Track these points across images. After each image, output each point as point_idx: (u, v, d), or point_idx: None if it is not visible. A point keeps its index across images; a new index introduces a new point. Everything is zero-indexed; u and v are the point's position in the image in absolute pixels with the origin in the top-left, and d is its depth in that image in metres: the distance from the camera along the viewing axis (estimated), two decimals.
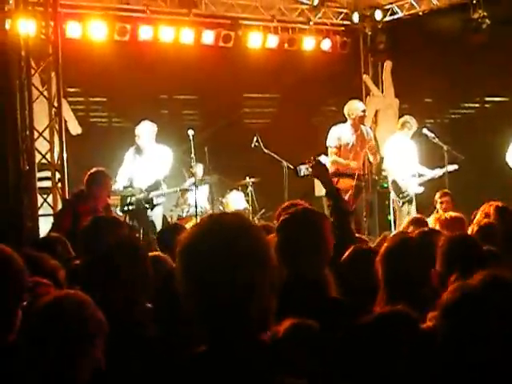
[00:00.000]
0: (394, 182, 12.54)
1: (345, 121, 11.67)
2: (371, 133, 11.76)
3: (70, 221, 8.73)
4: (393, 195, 12.67)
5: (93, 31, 13.56)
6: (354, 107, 11.61)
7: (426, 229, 5.54)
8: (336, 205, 5.02)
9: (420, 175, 12.52)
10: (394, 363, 2.95)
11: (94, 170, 9.28)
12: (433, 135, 12.36)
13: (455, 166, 12.38)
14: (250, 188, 13.75)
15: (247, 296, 2.30)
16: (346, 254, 4.67)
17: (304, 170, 6.89)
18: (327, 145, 11.56)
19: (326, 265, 4.04)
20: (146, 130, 11.39)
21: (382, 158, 14.76)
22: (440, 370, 2.66)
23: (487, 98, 15.78)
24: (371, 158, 11.95)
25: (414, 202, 12.61)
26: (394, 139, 12.76)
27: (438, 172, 12.34)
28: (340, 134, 11.52)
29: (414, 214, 12.42)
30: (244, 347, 2.31)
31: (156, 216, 11.30)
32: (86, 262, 4.39)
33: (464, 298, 2.58)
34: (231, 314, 2.30)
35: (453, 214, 7.25)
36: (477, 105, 16.18)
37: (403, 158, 12.48)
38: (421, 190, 12.45)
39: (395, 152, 12.52)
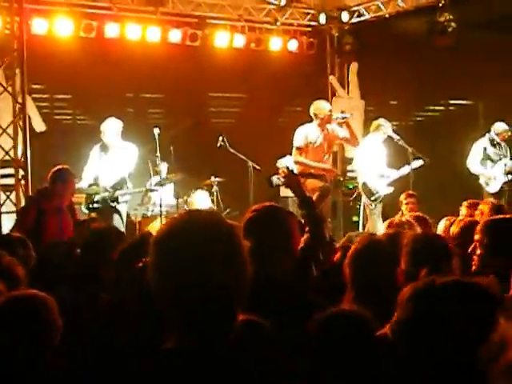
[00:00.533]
0: (364, 183, 12.55)
1: (311, 121, 11.68)
2: (338, 129, 11.74)
3: (33, 218, 8.69)
4: (364, 198, 12.66)
5: (59, 28, 13.45)
6: (320, 107, 11.63)
7: (392, 230, 5.53)
8: (310, 214, 4.99)
9: (387, 176, 12.57)
10: (343, 361, 2.97)
11: (58, 167, 9.23)
12: (398, 137, 12.41)
13: (420, 162, 12.43)
14: (215, 187, 13.73)
15: (222, 294, 2.30)
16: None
17: (276, 180, 6.89)
18: (293, 145, 11.57)
19: (291, 262, 4.04)
20: (111, 127, 11.33)
21: (347, 159, 14.84)
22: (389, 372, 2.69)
23: (452, 101, 15.93)
24: (349, 148, 11.90)
25: (381, 203, 12.67)
26: (366, 141, 12.78)
27: (405, 170, 12.38)
28: (307, 134, 11.54)
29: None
30: (218, 345, 2.30)
31: (121, 213, 11.26)
32: None
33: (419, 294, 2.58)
34: (205, 312, 2.29)
35: (416, 214, 7.29)
36: (442, 107, 16.32)
37: (374, 160, 12.52)
38: (390, 190, 12.50)
39: (367, 154, 12.54)
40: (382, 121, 12.65)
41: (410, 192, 10.87)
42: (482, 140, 13.05)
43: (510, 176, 12.89)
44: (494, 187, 12.91)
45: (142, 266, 3.67)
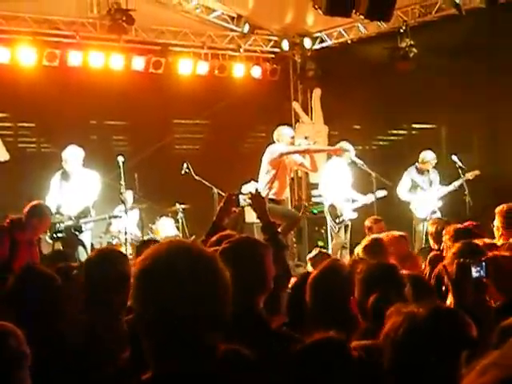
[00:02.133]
0: (331, 206, 12.60)
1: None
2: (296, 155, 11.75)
3: (7, 247, 8.63)
4: (329, 221, 12.70)
5: (21, 56, 13.46)
6: (282, 133, 11.65)
7: (356, 257, 5.60)
8: (273, 239, 5.00)
9: (353, 201, 12.65)
10: None
11: (36, 202, 9.20)
12: (361, 162, 12.50)
13: (384, 192, 12.55)
14: (180, 214, 13.71)
15: (204, 324, 2.32)
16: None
17: (242, 201, 6.89)
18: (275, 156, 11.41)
19: (266, 293, 4.02)
20: (72, 155, 11.29)
21: (311, 185, 14.91)
22: None
23: (414, 125, 16.03)
24: (309, 167, 11.88)
25: (349, 228, 12.71)
26: (330, 164, 12.86)
27: (370, 198, 12.48)
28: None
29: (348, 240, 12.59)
30: (198, 374, 2.32)
31: (84, 242, 11.20)
32: None
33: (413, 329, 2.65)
34: (185, 341, 2.31)
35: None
36: (405, 131, 16.42)
37: (339, 183, 12.59)
38: (355, 215, 12.58)
39: (332, 177, 12.61)
40: (343, 144, 12.74)
41: (377, 217, 10.89)
42: (410, 169, 13.24)
43: (441, 202, 13.08)
44: (423, 212, 13.05)
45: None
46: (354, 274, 4.40)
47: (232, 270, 3.72)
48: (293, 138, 11.66)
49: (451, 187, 12.90)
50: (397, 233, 7.52)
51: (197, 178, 12.88)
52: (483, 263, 4.32)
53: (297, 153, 11.48)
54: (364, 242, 6.84)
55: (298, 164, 11.82)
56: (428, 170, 13.17)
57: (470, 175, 12.78)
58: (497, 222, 7.64)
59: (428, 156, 13.10)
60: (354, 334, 3.82)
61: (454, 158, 12.70)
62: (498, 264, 4.73)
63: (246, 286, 3.71)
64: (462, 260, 4.31)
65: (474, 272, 4.24)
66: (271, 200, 11.17)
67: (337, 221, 12.49)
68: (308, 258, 9.13)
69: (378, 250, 6.51)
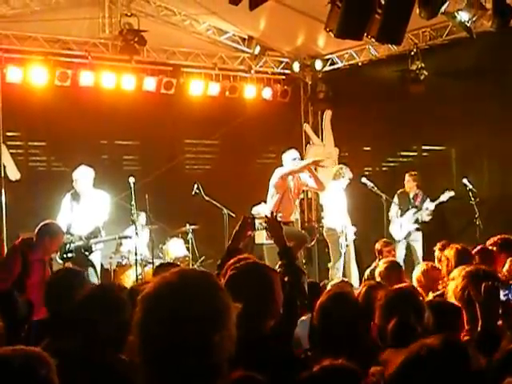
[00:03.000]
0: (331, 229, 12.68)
1: None
2: (305, 177, 11.78)
3: (19, 267, 8.63)
4: (343, 240, 12.75)
5: (33, 76, 13.54)
6: (285, 156, 11.71)
7: (372, 282, 5.58)
8: (290, 264, 4.94)
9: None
10: None
11: (47, 221, 9.19)
12: (372, 184, 12.51)
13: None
14: (190, 235, 13.70)
15: (208, 355, 2.31)
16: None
17: (258, 224, 6.81)
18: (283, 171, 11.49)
19: (274, 318, 3.98)
20: (83, 175, 11.33)
21: (321, 206, 14.90)
22: None
23: (424, 147, 16.02)
24: (315, 186, 11.92)
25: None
26: (332, 187, 12.89)
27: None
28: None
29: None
30: None
31: (94, 262, 11.20)
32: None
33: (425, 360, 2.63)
34: (189, 373, 2.30)
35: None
36: (415, 153, 16.40)
37: (338, 206, 12.64)
38: (354, 237, 12.68)
39: (332, 201, 12.66)
40: (338, 167, 12.91)
41: (386, 240, 10.91)
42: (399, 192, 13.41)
43: (416, 225, 13.16)
44: (399, 235, 13.11)
45: None
46: (373, 299, 4.41)
47: (240, 295, 3.73)
48: (295, 159, 11.67)
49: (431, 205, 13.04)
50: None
51: (207, 198, 12.90)
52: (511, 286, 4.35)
53: (293, 172, 11.49)
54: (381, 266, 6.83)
55: (305, 185, 11.85)
56: (408, 193, 13.32)
57: (444, 197, 12.84)
58: None
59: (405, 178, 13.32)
60: (371, 359, 3.80)
61: (465, 180, 12.69)
62: None
63: (254, 311, 3.69)
64: (490, 283, 4.32)
65: (503, 295, 4.28)
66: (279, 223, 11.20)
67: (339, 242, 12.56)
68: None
69: (395, 274, 6.50)
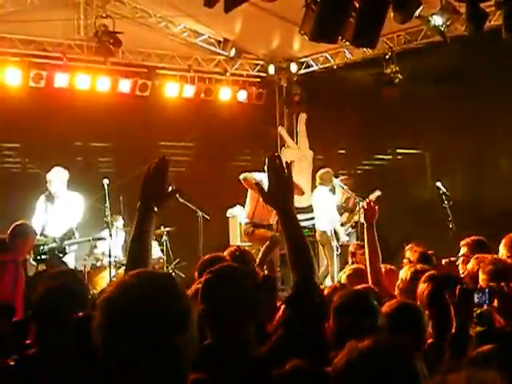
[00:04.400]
0: (335, 231, 12.72)
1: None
2: None
3: None
4: (335, 244, 12.75)
5: (8, 77, 13.47)
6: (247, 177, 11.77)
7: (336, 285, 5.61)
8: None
9: (342, 224, 12.79)
10: None
11: (20, 222, 9.17)
12: (345, 187, 12.55)
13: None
14: (164, 237, 13.68)
15: (169, 357, 2.30)
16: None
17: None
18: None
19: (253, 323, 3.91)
20: (57, 177, 11.29)
21: (296, 209, 14.90)
22: None
23: (399, 150, 16.10)
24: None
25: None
26: (317, 194, 12.94)
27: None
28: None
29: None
30: None
31: (68, 264, 11.16)
32: None
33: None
34: (150, 374, 2.29)
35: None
36: (390, 156, 16.48)
37: (330, 209, 12.69)
38: (347, 239, 12.71)
39: (323, 204, 12.71)
40: (320, 172, 12.92)
41: (360, 243, 10.92)
42: None
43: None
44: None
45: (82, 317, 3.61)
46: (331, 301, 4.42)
47: (216, 299, 3.72)
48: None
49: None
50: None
51: (181, 200, 12.86)
52: (486, 290, 4.41)
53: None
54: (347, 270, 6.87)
55: None
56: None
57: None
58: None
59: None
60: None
61: (438, 184, 12.74)
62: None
63: (231, 315, 3.68)
64: (464, 286, 4.37)
65: (476, 298, 4.35)
66: (255, 225, 11.27)
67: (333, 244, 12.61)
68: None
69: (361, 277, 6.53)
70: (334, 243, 12.64)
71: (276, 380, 3.31)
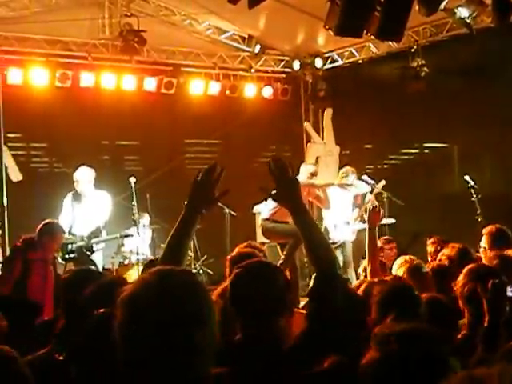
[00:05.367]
0: (325, 228, 12.67)
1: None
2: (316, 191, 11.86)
3: (20, 267, 8.66)
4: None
5: (34, 77, 13.56)
6: (303, 168, 11.75)
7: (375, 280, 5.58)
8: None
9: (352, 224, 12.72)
10: None
11: (47, 220, 9.23)
12: (373, 182, 12.49)
13: (392, 221, 12.56)
14: None
15: (186, 357, 2.29)
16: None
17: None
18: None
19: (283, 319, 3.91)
20: (84, 176, 11.34)
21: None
22: None
23: (426, 144, 16.00)
24: (321, 202, 12.04)
25: (347, 248, 12.70)
26: (334, 190, 12.87)
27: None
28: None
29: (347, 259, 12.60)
30: None
31: (96, 262, 11.21)
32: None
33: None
34: (171, 373, 2.28)
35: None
36: (417, 151, 16.38)
37: (340, 206, 12.62)
38: (353, 237, 12.63)
39: (332, 200, 12.64)
40: (344, 169, 12.82)
41: (388, 237, 10.87)
42: None
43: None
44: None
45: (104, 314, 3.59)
46: (370, 295, 4.41)
47: (246, 294, 3.71)
48: (312, 174, 11.71)
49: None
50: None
51: None
52: None
53: (310, 186, 11.56)
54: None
55: (314, 196, 11.89)
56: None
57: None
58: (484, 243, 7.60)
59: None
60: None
61: (466, 177, 12.66)
62: None
63: (261, 309, 3.66)
64: (497, 280, 4.34)
65: (510, 291, 4.33)
66: (275, 221, 11.25)
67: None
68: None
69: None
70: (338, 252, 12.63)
71: (317, 377, 3.30)
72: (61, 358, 3.99)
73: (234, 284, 3.78)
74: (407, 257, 6.76)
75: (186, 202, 3.82)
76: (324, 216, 12.96)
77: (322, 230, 12.64)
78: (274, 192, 3.87)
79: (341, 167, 13.63)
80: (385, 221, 12.33)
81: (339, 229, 12.59)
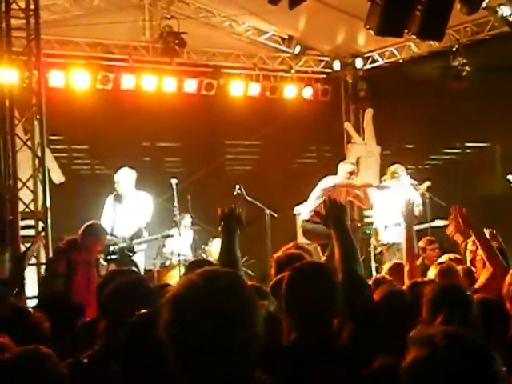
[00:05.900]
0: (375, 229, 12.60)
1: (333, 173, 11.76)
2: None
3: (63, 268, 8.71)
4: (372, 241, 12.73)
5: (76, 80, 13.69)
6: (341, 167, 11.72)
7: (418, 280, 5.54)
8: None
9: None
10: None
11: (91, 222, 9.26)
12: (415, 182, 12.41)
13: (442, 222, 12.43)
14: None
15: (230, 358, 2.29)
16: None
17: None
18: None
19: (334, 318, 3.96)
20: (125, 177, 11.38)
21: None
22: None
23: (468, 144, 15.88)
24: (362, 202, 12.00)
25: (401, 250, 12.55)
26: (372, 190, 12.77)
27: (424, 226, 12.31)
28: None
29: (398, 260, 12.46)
30: None
31: (138, 263, 11.25)
32: None
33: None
34: (218, 375, 2.28)
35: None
36: (458, 150, 16.27)
37: (390, 206, 12.46)
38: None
39: (382, 200, 12.53)
40: (395, 167, 12.61)
41: (430, 238, 10.77)
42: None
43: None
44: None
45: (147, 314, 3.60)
46: (421, 295, 4.40)
47: (299, 294, 3.75)
48: (350, 173, 11.66)
49: None
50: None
51: (249, 199, 12.89)
52: None
53: (349, 187, 11.52)
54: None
55: (354, 196, 11.84)
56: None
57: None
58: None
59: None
60: None
61: (510, 177, 12.53)
62: None
63: (316, 309, 3.71)
64: None
65: None
66: (315, 222, 11.21)
67: (379, 243, 12.49)
68: None
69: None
70: (372, 241, 12.58)
71: (367, 379, 3.29)
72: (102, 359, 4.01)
73: (289, 285, 3.85)
74: (451, 255, 6.73)
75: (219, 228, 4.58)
76: (374, 217, 12.89)
77: (372, 231, 12.63)
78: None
79: (383, 166, 13.57)
80: (437, 222, 12.24)
81: (390, 230, 12.47)
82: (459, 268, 6.81)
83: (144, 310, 3.60)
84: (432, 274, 6.45)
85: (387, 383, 3.31)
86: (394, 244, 12.47)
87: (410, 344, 2.66)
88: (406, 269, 6.36)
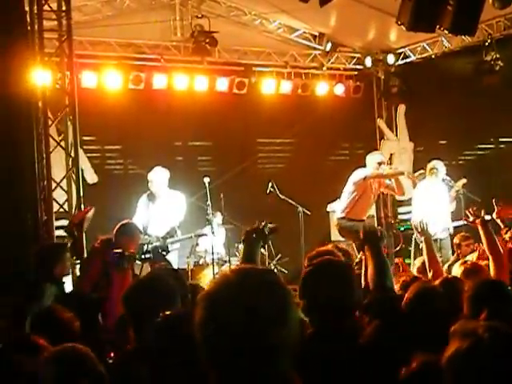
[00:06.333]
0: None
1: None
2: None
3: (99, 268, 8.72)
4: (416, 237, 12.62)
5: (108, 80, 13.76)
6: (370, 158, 11.62)
7: (449, 277, 5.50)
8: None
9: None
10: None
11: (125, 221, 9.27)
12: (449, 178, 12.33)
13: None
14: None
15: (272, 355, 2.28)
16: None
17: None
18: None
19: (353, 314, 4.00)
20: (158, 176, 11.42)
21: (397, 202, 14.76)
22: None
23: (502, 139, 15.75)
24: (395, 190, 11.86)
25: (445, 246, 12.42)
26: (422, 184, 12.65)
27: (459, 223, 12.17)
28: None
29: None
30: None
31: (171, 262, 11.27)
32: None
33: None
34: (253, 372, 2.27)
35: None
36: (492, 146, 16.14)
37: (431, 202, 12.37)
38: (445, 235, 12.32)
39: (422, 197, 12.44)
40: (434, 163, 12.51)
41: (465, 234, 10.68)
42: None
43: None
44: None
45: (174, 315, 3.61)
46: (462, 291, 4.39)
47: (318, 290, 3.78)
48: (379, 163, 11.56)
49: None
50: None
51: (282, 196, 12.89)
52: None
53: (379, 177, 11.43)
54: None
55: (385, 186, 11.75)
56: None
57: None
58: None
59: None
60: None
61: None
62: None
63: (333, 305, 3.76)
64: None
65: None
66: (350, 219, 11.17)
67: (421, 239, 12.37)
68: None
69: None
70: (414, 236, 12.45)
71: (408, 377, 3.29)
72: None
73: (305, 281, 3.97)
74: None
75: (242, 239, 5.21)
76: (412, 211, 12.75)
77: (412, 224, 12.52)
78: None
79: (416, 162, 13.49)
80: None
81: (431, 225, 12.35)
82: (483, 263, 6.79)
83: (168, 312, 3.61)
84: (457, 272, 6.41)
85: (432, 380, 3.29)
86: (436, 240, 12.38)
87: (453, 337, 2.65)
88: (430, 274, 6.37)
